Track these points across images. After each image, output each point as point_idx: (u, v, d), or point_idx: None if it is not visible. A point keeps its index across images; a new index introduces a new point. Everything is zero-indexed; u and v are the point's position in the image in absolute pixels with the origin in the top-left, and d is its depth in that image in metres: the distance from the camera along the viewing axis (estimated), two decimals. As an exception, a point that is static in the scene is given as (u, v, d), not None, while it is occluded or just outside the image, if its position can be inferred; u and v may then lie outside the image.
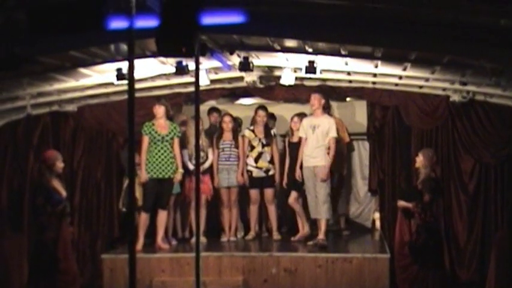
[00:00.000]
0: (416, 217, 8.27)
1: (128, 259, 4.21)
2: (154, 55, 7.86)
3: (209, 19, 5.20)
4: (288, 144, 10.30)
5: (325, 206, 9.54)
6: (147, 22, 5.01)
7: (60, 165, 8.08)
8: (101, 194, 10.78)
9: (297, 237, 10.09)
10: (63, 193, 8.01)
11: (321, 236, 9.59)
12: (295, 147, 9.99)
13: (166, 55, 6.47)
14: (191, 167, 9.81)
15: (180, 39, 4.73)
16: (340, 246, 10.05)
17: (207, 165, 10.04)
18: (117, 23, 4.76)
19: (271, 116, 10.99)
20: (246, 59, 8.46)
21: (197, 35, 4.88)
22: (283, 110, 11.36)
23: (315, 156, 9.60)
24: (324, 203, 9.54)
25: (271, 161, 10.27)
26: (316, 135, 9.61)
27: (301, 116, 10.19)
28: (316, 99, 9.70)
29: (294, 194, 10.03)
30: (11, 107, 9.83)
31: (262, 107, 10.45)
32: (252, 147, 10.23)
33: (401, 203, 8.50)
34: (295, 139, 10.12)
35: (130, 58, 4.10)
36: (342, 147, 10.51)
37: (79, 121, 10.71)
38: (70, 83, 9.25)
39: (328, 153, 9.53)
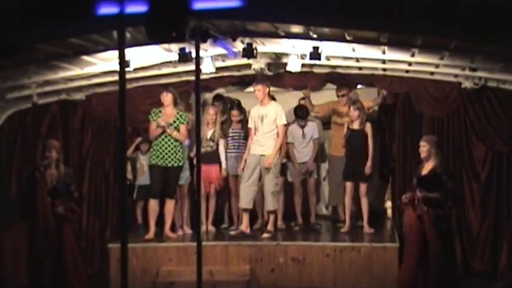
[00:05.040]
0: (441, 207, 8.02)
1: (120, 248, 4.14)
2: (145, 43, 7.58)
3: (202, 3, 5.10)
4: (348, 132, 9.96)
5: (271, 196, 9.47)
6: (138, 8, 4.92)
7: (48, 154, 8.07)
8: (109, 183, 10.68)
9: (346, 228, 9.97)
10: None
11: (269, 226, 9.64)
12: (354, 135, 9.84)
13: (155, 40, 6.36)
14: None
15: (169, 23, 4.64)
16: (349, 235, 9.82)
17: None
18: (107, 9, 4.68)
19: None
20: (249, 45, 8.33)
21: (188, 19, 4.78)
22: (292, 98, 11.14)
23: (263, 145, 9.52)
24: (270, 193, 9.47)
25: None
26: (265, 124, 9.54)
27: (358, 103, 9.99)
28: (259, 91, 9.57)
29: (364, 186, 9.85)
30: (18, 95, 9.79)
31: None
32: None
33: (428, 195, 8.01)
34: (355, 126, 9.88)
35: (120, 47, 3.97)
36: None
37: (87, 110, 10.61)
38: (75, 71, 9.17)
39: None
